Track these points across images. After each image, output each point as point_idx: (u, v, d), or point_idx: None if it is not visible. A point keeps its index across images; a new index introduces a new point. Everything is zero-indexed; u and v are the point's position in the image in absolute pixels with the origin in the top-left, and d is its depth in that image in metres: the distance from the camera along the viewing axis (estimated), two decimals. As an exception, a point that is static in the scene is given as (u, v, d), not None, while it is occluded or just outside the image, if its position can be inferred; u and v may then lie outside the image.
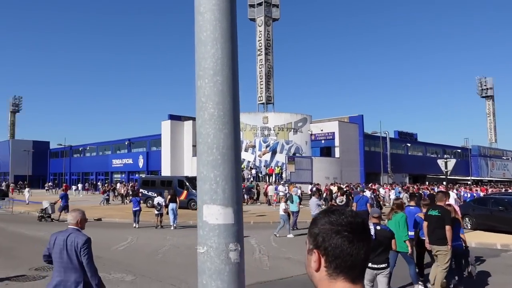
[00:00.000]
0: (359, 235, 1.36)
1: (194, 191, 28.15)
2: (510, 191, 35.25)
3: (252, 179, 40.76)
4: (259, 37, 49.20)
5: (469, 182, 56.22)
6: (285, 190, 32.64)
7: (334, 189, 31.37)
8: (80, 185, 50.47)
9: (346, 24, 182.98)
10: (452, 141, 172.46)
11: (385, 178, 48.93)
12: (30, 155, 65.44)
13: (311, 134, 47.04)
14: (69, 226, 4.78)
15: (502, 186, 56.22)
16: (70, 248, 4.56)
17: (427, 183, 50.82)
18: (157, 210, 19.43)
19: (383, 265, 6.58)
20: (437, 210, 7.97)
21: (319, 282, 1.38)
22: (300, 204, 18.90)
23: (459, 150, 68.60)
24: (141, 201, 23.34)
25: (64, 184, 44.63)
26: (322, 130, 46.35)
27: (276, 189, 33.68)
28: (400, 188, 34.83)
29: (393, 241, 6.83)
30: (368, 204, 15.77)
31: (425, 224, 8.10)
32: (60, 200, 22.25)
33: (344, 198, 16.02)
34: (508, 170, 76.78)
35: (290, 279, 9.24)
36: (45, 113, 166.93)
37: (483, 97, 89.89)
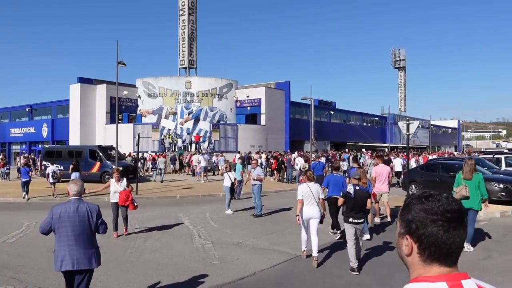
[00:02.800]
0: (456, 223, 1.31)
1: (108, 162, 24.52)
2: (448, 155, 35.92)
3: (173, 148, 37.65)
4: (182, -5, 44.94)
5: (386, 150, 57.99)
6: (214, 160, 30.34)
7: (263, 157, 29.57)
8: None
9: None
10: (369, 109, 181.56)
11: (309, 146, 48.37)
12: None
13: (237, 101, 44.57)
14: (71, 198, 4.77)
15: (415, 152, 58.63)
16: (82, 217, 4.65)
17: (346, 149, 51.18)
18: (53, 179, 17.94)
19: (362, 220, 7.38)
20: None
21: (412, 266, 1.36)
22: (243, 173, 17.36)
23: (377, 118, 70.59)
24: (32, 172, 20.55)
25: None
26: (248, 96, 44.03)
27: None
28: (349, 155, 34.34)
29: (368, 200, 7.60)
30: (324, 170, 14.42)
31: None
32: None
33: (306, 164, 14.34)
34: (417, 137, 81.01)
35: (254, 278, 6.81)
36: None
37: (396, 68, 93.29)
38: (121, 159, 24.86)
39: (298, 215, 7.71)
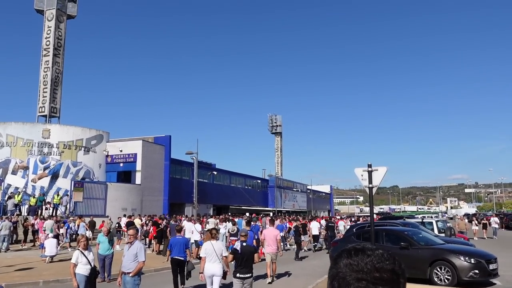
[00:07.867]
0: (384, 285, 1.07)
1: None
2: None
3: (18, 210, 29.41)
4: (48, 34, 38.70)
5: (270, 214, 55.39)
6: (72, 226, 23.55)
7: (138, 221, 23.86)
8: None
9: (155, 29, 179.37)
10: (249, 172, 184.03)
11: (190, 209, 43.21)
12: None
13: (107, 155, 38.13)
14: None
15: (299, 216, 57.07)
16: None
17: (229, 213, 47.12)
18: None
19: (249, 275, 7.84)
20: None
21: None
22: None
23: (259, 181, 68.41)
24: None
25: None
26: (121, 151, 37.94)
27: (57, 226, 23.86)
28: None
29: (256, 254, 8.19)
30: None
31: None
32: None
33: (235, 227, 12.15)
34: (296, 202, 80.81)
35: None
36: None
37: (273, 133, 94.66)
38: None
39: (202, 273, 8.19)
